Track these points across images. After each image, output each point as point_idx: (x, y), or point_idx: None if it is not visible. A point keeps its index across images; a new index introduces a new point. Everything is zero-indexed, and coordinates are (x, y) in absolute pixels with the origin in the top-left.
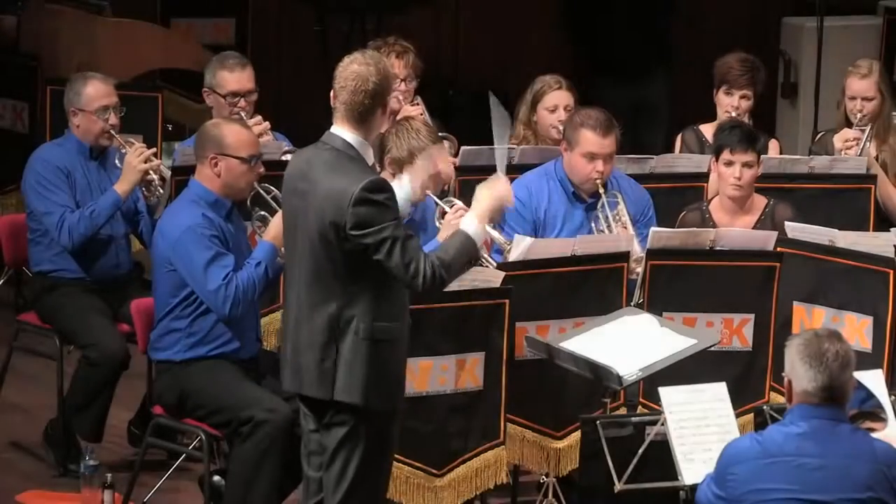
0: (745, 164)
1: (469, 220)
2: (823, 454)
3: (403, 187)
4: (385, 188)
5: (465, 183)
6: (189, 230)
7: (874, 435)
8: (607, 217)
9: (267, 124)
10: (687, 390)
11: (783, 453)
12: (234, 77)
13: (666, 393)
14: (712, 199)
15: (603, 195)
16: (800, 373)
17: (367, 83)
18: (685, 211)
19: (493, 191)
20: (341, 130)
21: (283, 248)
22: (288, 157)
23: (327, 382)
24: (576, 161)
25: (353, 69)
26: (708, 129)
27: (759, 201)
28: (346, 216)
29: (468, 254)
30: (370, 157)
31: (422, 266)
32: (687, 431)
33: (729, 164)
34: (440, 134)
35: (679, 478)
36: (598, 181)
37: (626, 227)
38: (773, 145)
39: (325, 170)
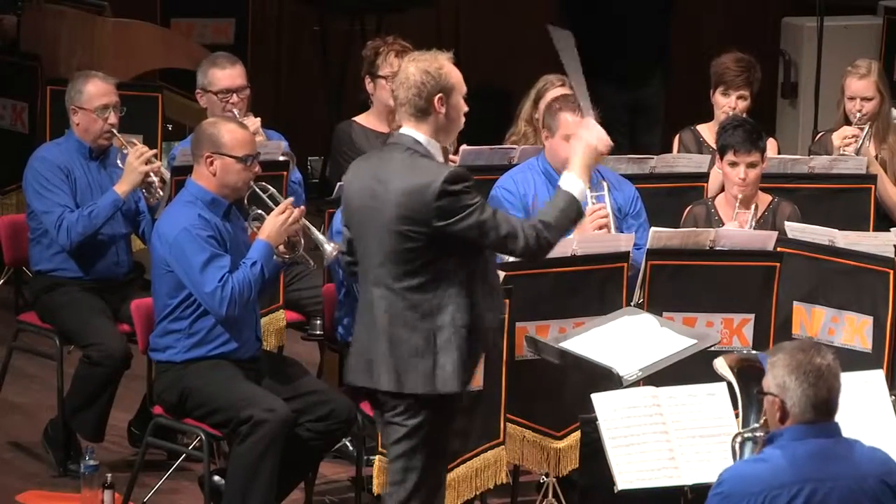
0: (750, 165)
1: (568, 178)
2: (833, 476)
3: None
4: (464, 178)
5: None
6: (184, 231)
7: None
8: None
9: (258, 120)
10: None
11: (793, 481)
12: (225, 73)
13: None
14: (717, 194)
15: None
16: (797, 391)
17: (418, 82)
18: (692, 205)
19: (584, 142)
20: (409, 130)
21: (280, 247)
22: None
23: (428, 375)
24: (558, 145)
25: (407, 70)
26: (706, 130)
27: (764, 198)
28: (431, 211)
29: (573, 212)
30: (439, 156)
31: (521, 233)
32: (684, 433)
33: (733, 164)
34: None
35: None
36: None
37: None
38: (772, 144)
39: (399, 169)
